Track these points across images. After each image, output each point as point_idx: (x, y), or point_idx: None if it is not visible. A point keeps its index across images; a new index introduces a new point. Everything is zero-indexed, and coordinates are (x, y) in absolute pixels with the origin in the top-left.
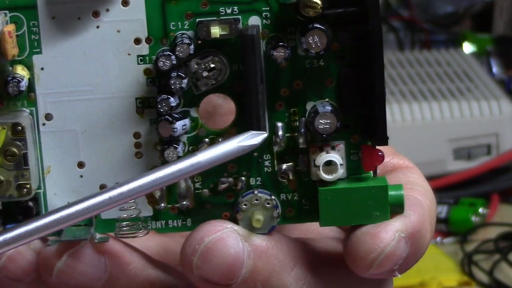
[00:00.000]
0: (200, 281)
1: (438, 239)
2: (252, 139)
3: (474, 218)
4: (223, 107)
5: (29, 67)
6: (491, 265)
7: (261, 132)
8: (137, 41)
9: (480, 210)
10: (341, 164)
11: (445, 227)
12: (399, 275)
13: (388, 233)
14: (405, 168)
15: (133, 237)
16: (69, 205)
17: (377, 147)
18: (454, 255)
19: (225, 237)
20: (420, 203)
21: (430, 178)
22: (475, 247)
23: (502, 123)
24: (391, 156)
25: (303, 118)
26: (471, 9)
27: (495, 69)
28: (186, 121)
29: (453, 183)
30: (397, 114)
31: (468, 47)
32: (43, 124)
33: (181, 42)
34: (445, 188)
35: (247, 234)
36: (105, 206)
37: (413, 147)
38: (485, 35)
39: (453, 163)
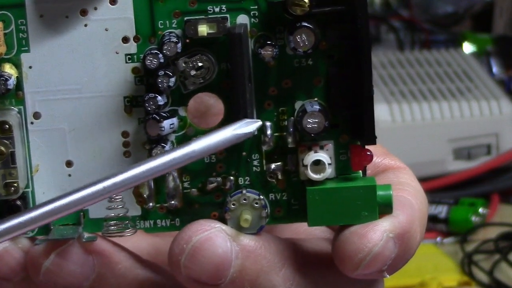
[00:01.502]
0: (188, 280)
1: (438, 239)
2: (247, 126)
3: (474, 218)
4: (216, 107)
5: (17, 66)
6: (491, 265)
7: (256, 120)
8: (125, 39)
9: (480, 210)
10: (329, 164)
11: (445, 227)
12: (388, 276)
13: (376, 233)
14: (397, 169)
15: (121, 236)
16: (57, 198)
17: (366, 147)
18: (454, 255)
19: (213, 237)
20: (410, 204)
21: (430, 178)
22: (475, 247)
23: (502, 123)
24: (383, 157)
25: (292, 118)
26: (471, 9)
27: (495, 69)
28: (174, 120)
29: (453, 183)
30: (397, 114)
31: (468, 47)
32: (31, 123)
33: (168, 40)
34: (445, 188)
35: (235, 233)
36: (98, 196)
37: (413, 147)
38: (485, 35)
39: (453, 163)
